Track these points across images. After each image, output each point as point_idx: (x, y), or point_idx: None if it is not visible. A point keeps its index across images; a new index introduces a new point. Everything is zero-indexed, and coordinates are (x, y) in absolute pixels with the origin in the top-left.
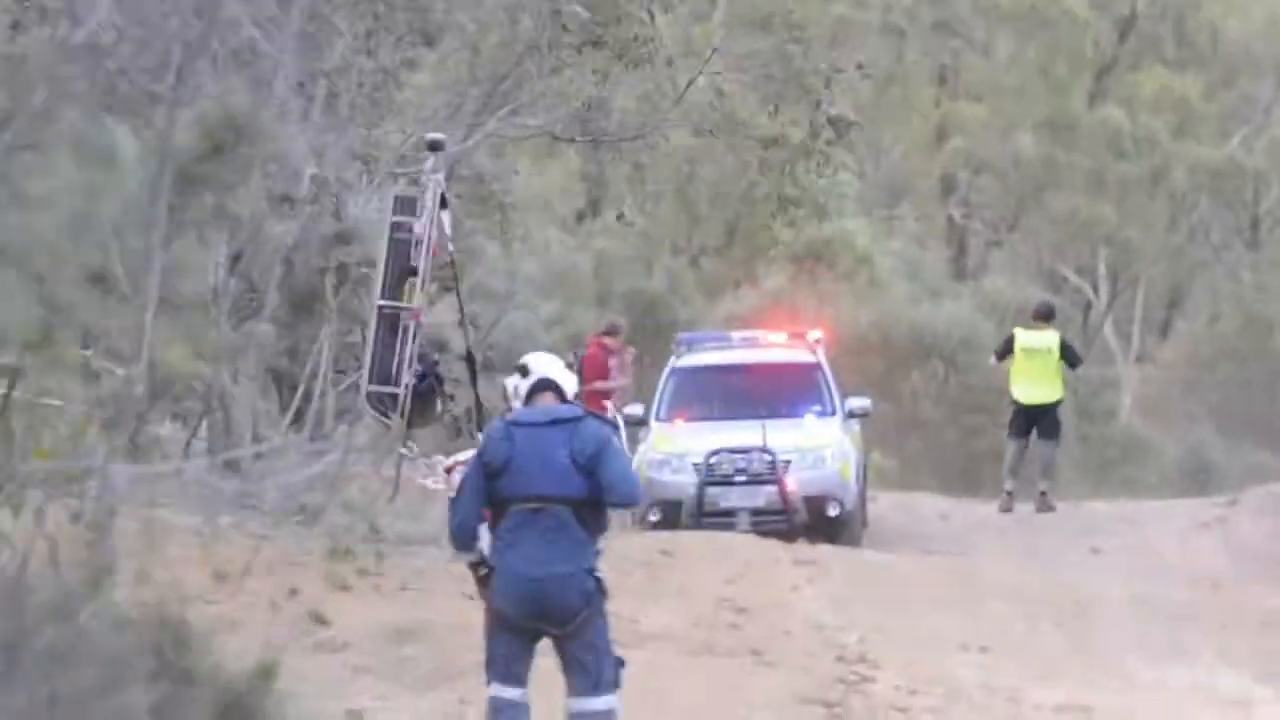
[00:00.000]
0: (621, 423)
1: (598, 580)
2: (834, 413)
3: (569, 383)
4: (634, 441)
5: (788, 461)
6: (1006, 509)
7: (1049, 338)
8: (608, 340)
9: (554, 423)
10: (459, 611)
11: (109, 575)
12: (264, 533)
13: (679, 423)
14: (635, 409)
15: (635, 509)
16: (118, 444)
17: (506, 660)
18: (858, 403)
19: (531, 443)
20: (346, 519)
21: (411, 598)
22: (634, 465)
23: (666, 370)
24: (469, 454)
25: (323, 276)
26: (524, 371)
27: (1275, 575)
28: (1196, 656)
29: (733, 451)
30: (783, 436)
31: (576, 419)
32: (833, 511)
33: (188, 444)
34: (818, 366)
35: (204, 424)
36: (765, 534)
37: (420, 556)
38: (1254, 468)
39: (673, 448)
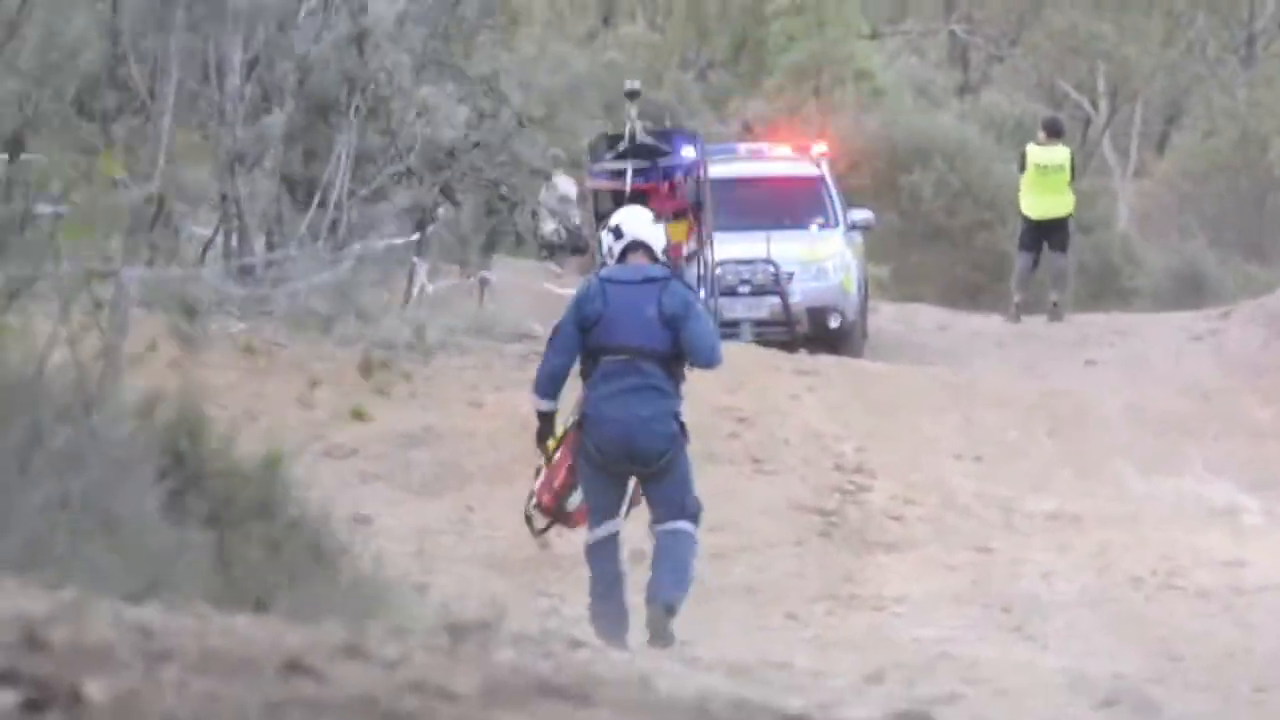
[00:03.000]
0: None
1: (681, 424)
2: (837, 225)
3: (658, 240)
4: None
5: (791, 273)
6: (1016, 320)
7: (1060, 153)
8: None
9: (645, 281)
10: (466, 417)
11: (121, 375)
12: (279, 340)
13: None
14: None
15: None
16: (136, 248)
17: (602, 504)
18: (860, 215)
19: (624, 299)
20: (366, 330)
21: (420, 404)
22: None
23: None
24: None
25: (340, 84)
26: (617, 233)
27: (1265, 387)
28: (1186, 466)
29: (737, 263)
30: (786, 249)
31: (665, 279)
32: (834, 323)
33: (204, 250)
34: (821, 180)
35: (220, 231)
36: (768, 344)
37: (429, 363)
38: (1246, 280)
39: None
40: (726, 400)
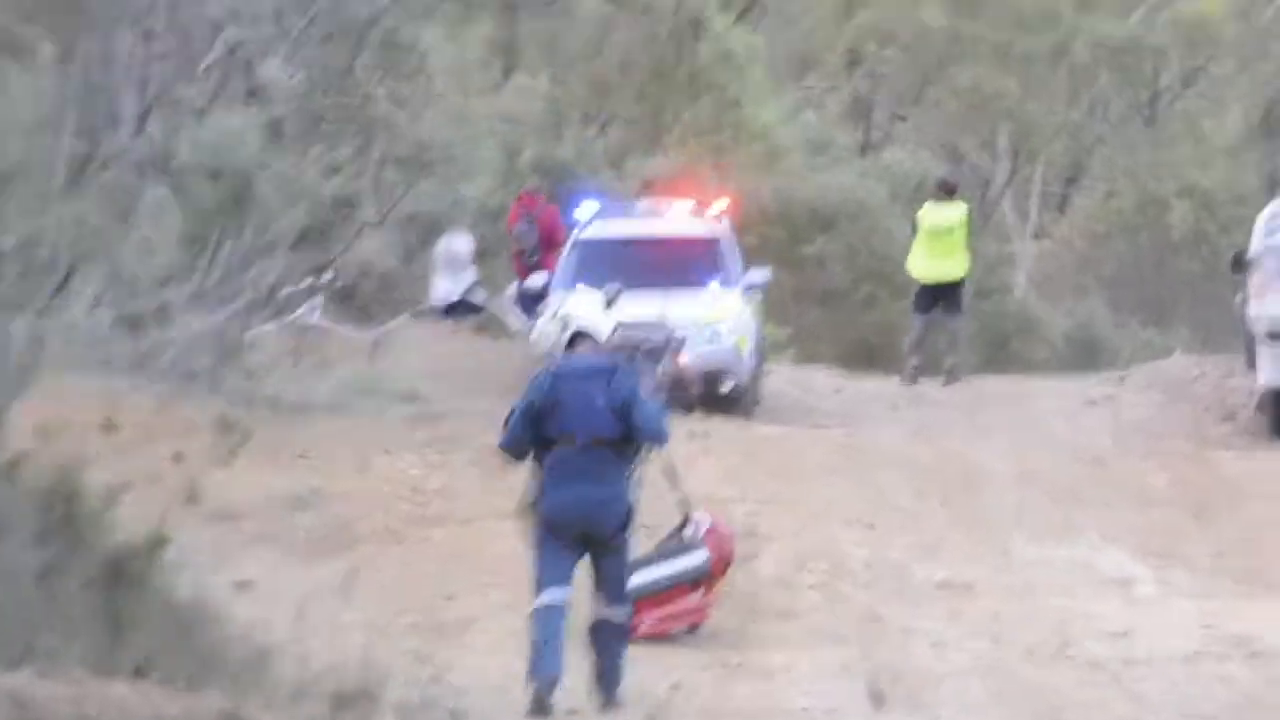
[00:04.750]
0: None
1: (630, 505)
2: (733, 285)
3: (602, 326)
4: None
5: (683, 337)
6: (910, 382)
7: (956, 212)
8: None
9: (593, 373)
10: (354, 479)
11: None
12: (161, 397)
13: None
14: (537, 279)
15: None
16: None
17: (553, 567)
18: (758, 274)
19: (573, 390)
20: (245, 384)
21: (308, 465)
22: (533, 335)
23: (569, 242)
24: None
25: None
26: (564, 324)
27: (1159, 453)
28: (1079, 534)
29: (632, 325)
30: (682, 310)
31: (611, 370)
32: (726, 387)
33: (94, 303)
34: (718, 239)
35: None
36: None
37: (318, 424)
38: (1142, 345)
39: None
40: None
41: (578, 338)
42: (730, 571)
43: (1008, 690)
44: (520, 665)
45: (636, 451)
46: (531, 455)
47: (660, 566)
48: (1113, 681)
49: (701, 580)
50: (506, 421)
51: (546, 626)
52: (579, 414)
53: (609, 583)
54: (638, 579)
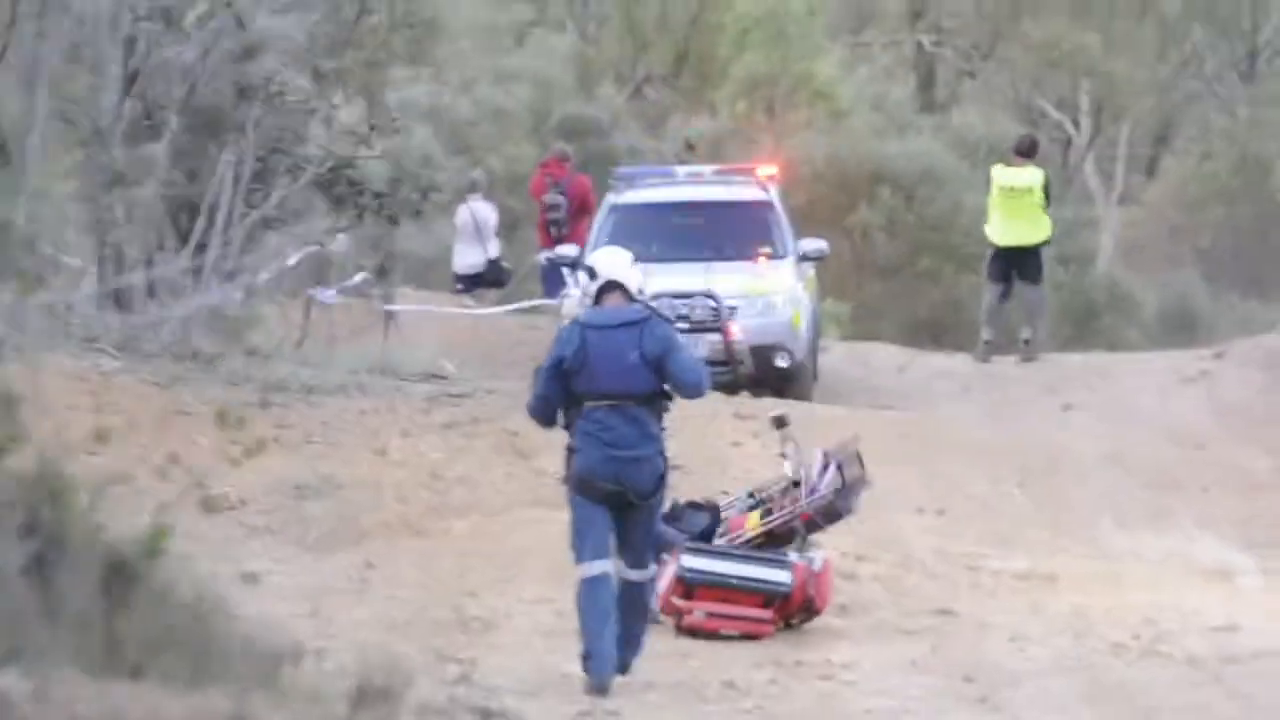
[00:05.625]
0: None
1: (666, 461)
2: (786, 255)
3: (634, 278)
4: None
5: (733, 308)
6: (984, 359)
7: (1031, 175)
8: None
9: (623, 325)
10: (367, 467)
11: None
12: (157, 379)
13: None
14: (569, 250)
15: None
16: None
17: (592, 537)
18: (812, 245)
19: (604, 345)
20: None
21: (316, 451)
22: (565, 309)
23: (604, 207)
24: None
25: (231, 95)
26: (592, 273)
27: (1263, 436)
28: (1174, 522)
29: (674, 296)
30: (729, 281)
31: (644, 320)
32: (782, 362)
33: (80, 279)
34: (769, 205)
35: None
36: None
37: (327, 405)
38: (1242, 318)
39: None
40: None
41: (608, 287)
42: (808, 618)
43: (1095, 690)
44: (552, 662)
45: (667, 404)
46: (562, 416)
47: (743, 565)
48: (1214, 681)
49: (774, 602)
50: (533, 384)
51: (596, 602)
52: (610, 369)
53: (636, 544)
54: (718, 565)
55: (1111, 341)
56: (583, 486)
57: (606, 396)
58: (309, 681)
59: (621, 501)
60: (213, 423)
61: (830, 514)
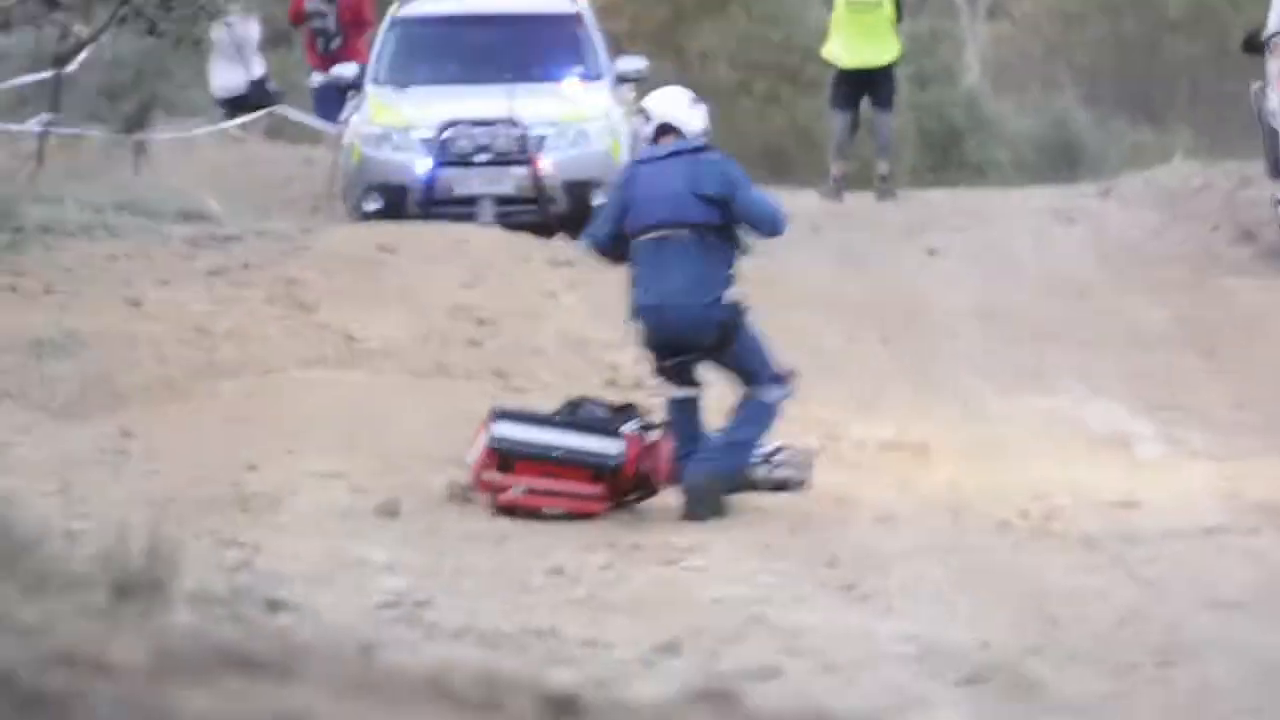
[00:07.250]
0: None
1: (732, 306)
2: (600, 76)
3: (692, 120)
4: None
5: (542, 137)
6: (835, 197)
7: None
8: None
9: (672, 155)
10: (121, 319)
11: None
12: None
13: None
14: (347, 69)
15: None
16: None
17: (671, 369)
18: (631, 64)
19: (650, 176)
20: None
21: (57, 302)
22: (346, 140)
23: (385, 21)
24: None
25: None
26: (647, 116)
27: (1156, 283)
28: (1059, 383)
29: (472, 124)
30: (536, 106)
31: (695, 150)
32: (598, 200)
33: None
34: (578, 18)
35: None
36: (514, 227)
37: (69, 249)
38: (1132, 149)
39: (395, 119)
40: (462, 298)
41: (663, 130)
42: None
43: (977, 575)
44: (346, 546)
45: (734, 240)
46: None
47: (567, 434)
48: (1113, 563)
49: (603, 476)
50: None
51: (679, 420)
52: (653, 194)
53: (752, 375)
54: (538, 435)
55: (978, 174)
56: (645, 339)
57: (652, 229)
58: (62, 568)
59: (690, 354)
60: None
61: None
